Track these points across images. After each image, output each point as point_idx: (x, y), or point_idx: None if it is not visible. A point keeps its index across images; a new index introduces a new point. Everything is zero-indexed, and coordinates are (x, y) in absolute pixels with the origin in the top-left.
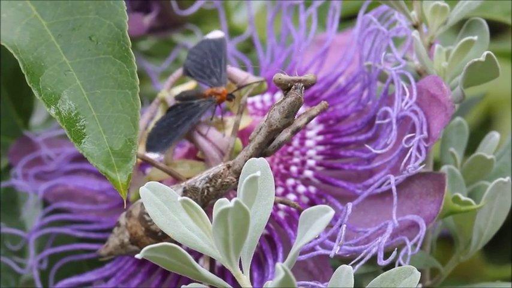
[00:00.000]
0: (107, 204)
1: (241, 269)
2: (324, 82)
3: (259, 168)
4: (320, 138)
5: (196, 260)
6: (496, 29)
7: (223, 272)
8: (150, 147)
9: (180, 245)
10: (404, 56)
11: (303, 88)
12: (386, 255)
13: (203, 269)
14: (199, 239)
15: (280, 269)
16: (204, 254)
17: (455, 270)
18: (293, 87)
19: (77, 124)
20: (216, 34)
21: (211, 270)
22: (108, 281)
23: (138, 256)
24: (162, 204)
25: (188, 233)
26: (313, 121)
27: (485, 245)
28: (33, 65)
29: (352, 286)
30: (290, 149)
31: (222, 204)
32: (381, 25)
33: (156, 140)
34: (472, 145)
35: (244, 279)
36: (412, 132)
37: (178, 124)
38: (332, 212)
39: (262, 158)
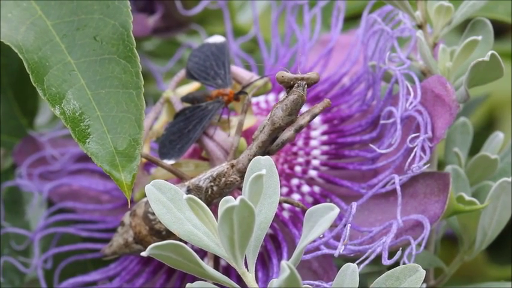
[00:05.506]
0: (111, 204)
1: (246, 267)
2: (328, 82)
3: (264, 167)
4: (324, 138)
5: (201, 260)
6: (498, 30)
7: (227, 272)
8: (164, 154)
9: (185, 243)
10: (409, 56)
11: (306, 86)
12: (390, 255)
13: (209, 267)
14: (204, 237)
15: (286, 266)
16: (208, 253)
17: (458, 270)
18: (296, 85)
19: (82, 124)
20: (217, 39)
21: (216, 269)
22: (113, 280)
23: (143, 254)
24: (168, 202)
25: (194, 231)
26: (317, 121)
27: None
28: (38, 65)
29: (357, 284)
30: (294, 148)
31: (227, 202)
32: (385, 25)
33: (169, 147)
34: (474, 146)
35: (249, 277)
36: (416, 132)
37: (189, 129)
38: (337, 210)
39: (267, 156)
